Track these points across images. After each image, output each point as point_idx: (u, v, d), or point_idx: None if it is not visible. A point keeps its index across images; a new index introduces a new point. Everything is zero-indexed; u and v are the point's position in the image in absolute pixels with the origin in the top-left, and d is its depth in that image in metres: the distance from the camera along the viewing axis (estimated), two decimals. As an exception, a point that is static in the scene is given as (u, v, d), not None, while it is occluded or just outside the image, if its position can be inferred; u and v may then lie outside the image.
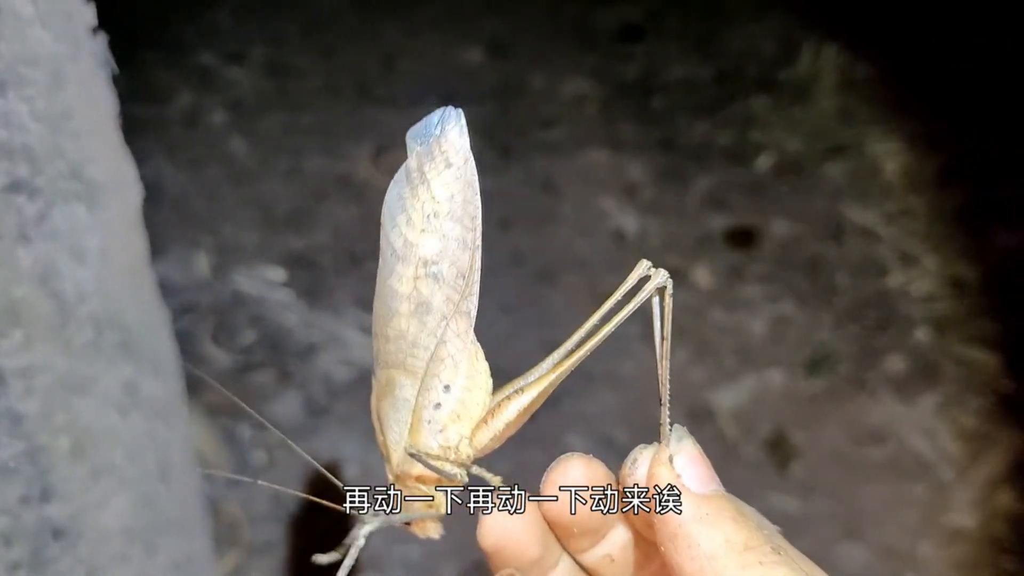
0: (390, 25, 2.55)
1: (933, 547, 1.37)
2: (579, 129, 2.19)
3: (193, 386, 1.14)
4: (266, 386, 1.58)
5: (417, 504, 0.46)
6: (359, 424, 1.52)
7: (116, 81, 0.71)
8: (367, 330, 1.66)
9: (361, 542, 0.44)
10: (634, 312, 0.45)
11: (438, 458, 0.45)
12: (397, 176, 0.45)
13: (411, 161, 0.45)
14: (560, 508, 0.42)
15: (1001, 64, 2.19)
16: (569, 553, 0.45)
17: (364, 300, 1.73)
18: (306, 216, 1.92)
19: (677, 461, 0.39)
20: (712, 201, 2.02)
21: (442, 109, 0.45)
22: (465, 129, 0.44)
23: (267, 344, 1.66)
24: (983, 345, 1.66)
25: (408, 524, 0.47)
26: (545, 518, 0.43)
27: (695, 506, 0.38)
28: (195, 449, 0.99)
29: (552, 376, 0.45)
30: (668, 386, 0.43)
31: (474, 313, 0.45)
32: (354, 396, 1.56)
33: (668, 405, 0.43)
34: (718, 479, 0.39)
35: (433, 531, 0.47)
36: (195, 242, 1.84)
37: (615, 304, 0.45)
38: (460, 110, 0.45)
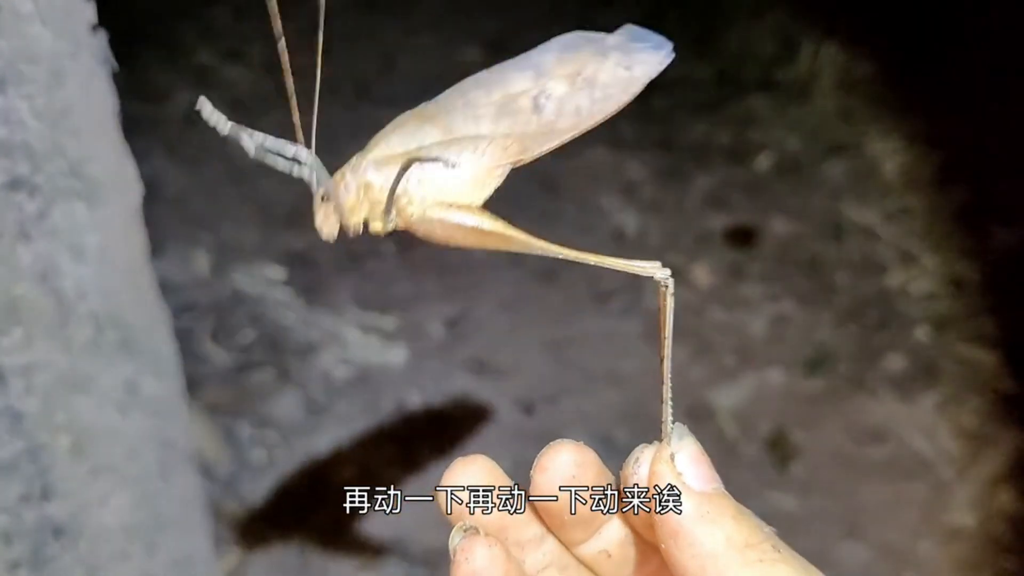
0: (389, 24, 2.55)
1: (933, 546, 1.37)
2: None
3: (193, 384, 1.14)
4: (265, 385, 1.58)
5: (345, 200, 0.44)
6: (359, 423, 1.52)
7: (115, 79, 0.71)
8: (367, 328, 1.67)
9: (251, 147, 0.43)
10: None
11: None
12: (596, 36, 0.46)
13: (613, 39, 0.46)
14: (551, 492, 0.42)
15: (1000, 63, 2.19)
16: (566, 546, 0.45)
17: (363, 298, 1.73)
18: (306, 215, 1.91)
19: (678, 459, 0.39)
20: (712, 200, 2.02)
21: (664, 40, 0.46)
22: (662, 67, 0.46)
23: (266, 343, 1.66)
24: (983, 344, 1.66)
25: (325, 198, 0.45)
26: (536, 505, 0.43)
27: (696, 504, 0.38)
28: (195, 447, 0.99)
29: (521, 238, 0.44)
30: (670, 384, 0.43)
31: (525, 159, 0.44)
32: (354, 395, 1.56)
33: (670, 403, 0.43)
34: (719, 478, 0.39)
35: (327, 224, 0.45)
36: (195, 240, 1.84)
37: (614, 261, 0.44)
38: (674, 54, 0.46)
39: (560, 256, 0.44)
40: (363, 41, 2.48)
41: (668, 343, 0.43)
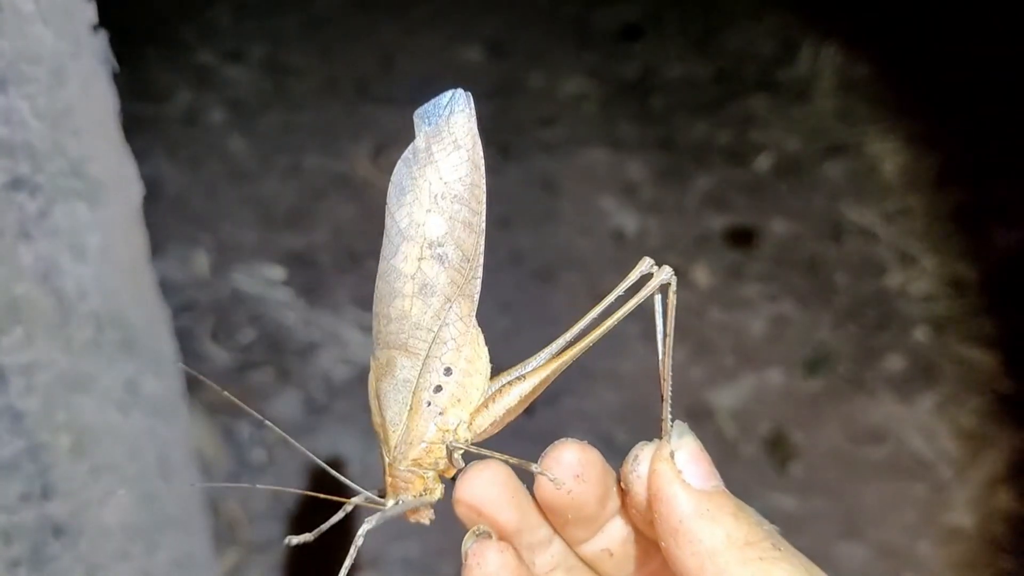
0: (389, 24, 2.55)
1: (931, 546, 1.37)
2: (578, 128, 2.20)
3: (193, 384, 1.14)
4: (265, 384, 1.58)
5: (412, 491, 0.46)
6: (358, 422, 1.52)
7: (116, 79, 0.71)
8: (367, 328, 1.66)
9: (360, 541, 0.44)
10: (636, 311, 0.45)
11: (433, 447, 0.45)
12: (405, 155, 0.45)
13: (419, 141, 0.45)
14: (556, 491, 0.42)
15: (999, 65, 2.19)
16: (569, 544, 0.45)
17: (363, 298, 1.73)
18: (305, 214, 1.92)
19: (678, 457, 0.39)
20: (711, 200, 2.02)
21: (451, 92, 0.45)
22: (474, 112, 0.45)
23: (266, 342, 1.66)
24: (982, 345, 1.66)
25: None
26: (541, 502, 0.43)
27: (696, 502, 0.38)
28: (195, 447, 0.99)
29: (553, 366, 0.45)
30: (670, 382, 0.43)
31: (477, 297, 0.45)
32: (353, 394, 1.56)
33: (670, 402, 0.43)
34: (719, 475, 0.39)
35: (425, 517, 0.47)
36: (195, 240, 1.84)
37: (616, 299, 0.45)
38: (469, 93, 0.45)
39: (581, 350, 0.45)
40: (363, 41, 2.48)
41: (669, 342, 0.43)
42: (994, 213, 1.91)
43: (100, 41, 0.67)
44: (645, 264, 0.45)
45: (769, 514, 0.40)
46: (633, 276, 0.45)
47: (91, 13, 0.66)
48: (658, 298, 0.45)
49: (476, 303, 0.45)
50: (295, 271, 1.79)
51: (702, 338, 1.68)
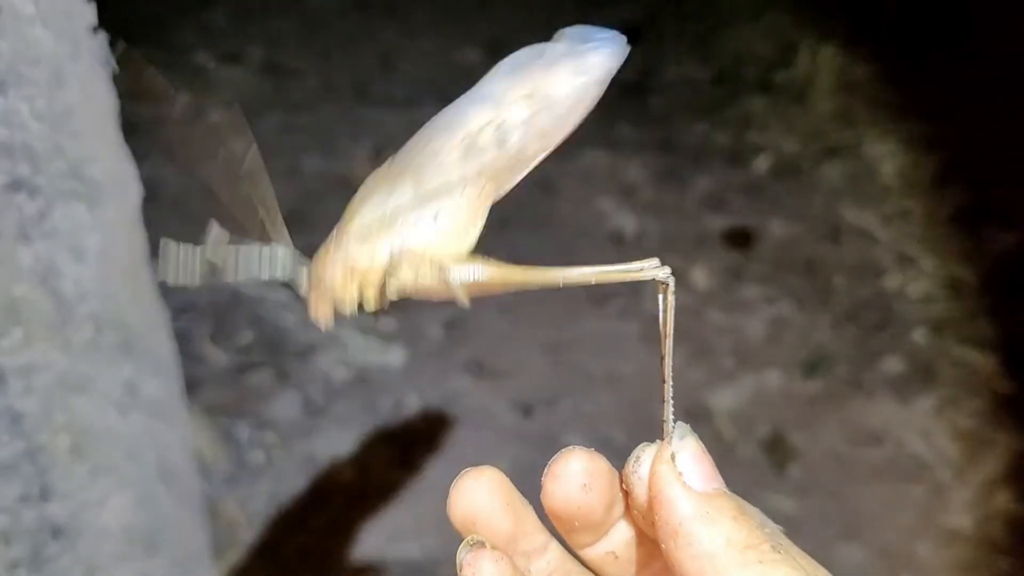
0: (388, 25, 2.56)
1: (930, 548, 1.37)
2: (577, 129, 2.19)
3: (192, 385, 1.14)
4: (264, 386, 1.58)
5: (333, 283, 0.44)
6: (357, 424, 1.52)
7: (116, 81, 0.71)
8: (365, 330, 1.67)
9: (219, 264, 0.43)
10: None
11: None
12: (540, 46, 0.45)
13: (562, 47, 0.45)
14: (563, 500, 0.42)
15: (998, 66, 2.19)
16: (570, 549, 0.45)
17: (362, 300, 1.73)
18: (304, 216, 1.92)
19: (679, 459, 0.39)
20: (710, 202, 2.02)
21: (615, 33, 0.45)
22: (618, 64, 0.44)
23: (265, 344, 1.66)
24: (980, 346, 1.67)
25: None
26: (548, 511, 0.43)
27: (696, 504, 0.38)
28: (194, 449, 0.99)
29: (522, 276, 0.44)
30: (671, 383, 0.43)
31: (504, 191, 0.44)
32: (353, 396, 1.57)
33: (671, 402, 0.43)
34: (720, 477, 0.39)
35: (323, 315, 0.45)
36: (193, 241, 1.83)
37: (613, 270, 0.44)
38: (628, 47, 0.45)
39: (562, 282, 0.44)
40: (362, 42, 2.48)
41: (669, 342, 0.43)
42: (993, 215, 1.91)
43: (99, 43, 0.67)
44: (652, 261, 0.44)
45: (768, 516, 0.40)
46: (638, 263, 0.44)
47: (91, 14, 0.66)
48: (659, 299, 0.44)
49: (497, 197, 0.44)
50: (294, 272, 1.79)
51: (700, 340, 1.68)
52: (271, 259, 0.44)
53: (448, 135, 0.44)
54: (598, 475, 0.42)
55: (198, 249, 0.43)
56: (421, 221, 0.43)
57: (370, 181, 0.46)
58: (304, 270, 0.44)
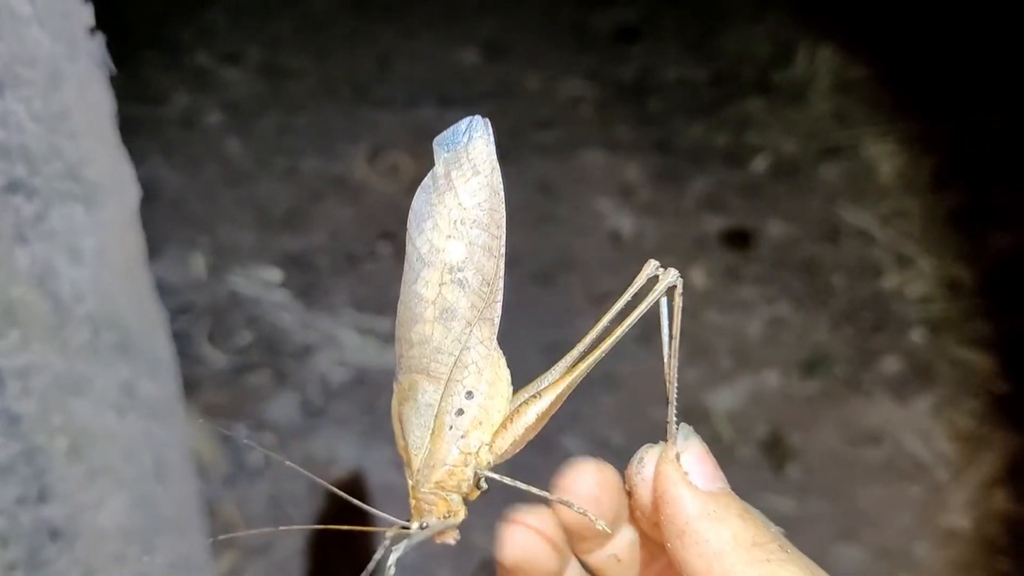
0: (386, 26, 2.55)
1: (928, 548, 1.38)
2: (575, 130, 2.20)
3: (190, 386, 1.13)
4: (262, 387, 1.58)
5: (436, 513, 0.46)
6: (355, 425, 1.51)
7: (113, 81, 0.71)
8: (363, 331, 1.66)
9: (393, 571, 0.45)
10: (625, 316, 0.45)
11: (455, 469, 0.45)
12: (424, 182, 0.46)
13: (438, 168, 0.46)
14: (572, 514, 0.42)
15: (996, 66, 2.19)
16: (576, 554, 0.45)
17: (360, 301, 1.73)
18: (302, 217, 1.92)
19: (684, 459, 0.39)
20: (708, 202, 2.02)
21: (469, 118, 0.46)
22: (492, 139, 0.45)
23: (263, 345, 1.65)
24: (978, 346, 1.67)
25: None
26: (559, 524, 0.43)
27: (702, 503, 0.38)
28: (192, 450, 0.99)
29: (567, 380, 0.45)
30: (676, 384, 0.43)
31: (498, 320, 0.46)
32: (350, 397, 1.56)
33: (675, 404, 0.43)
34: (723, 477, 0.39)
35: (451, 537, 0.47)
36: (192, 242, 1.84)
37: (624, 305, 0.45)
38: (487, 120, 0.46)
39: (596, 360, 0.47)
40: (360, 43, 2.48)
41: (674, 344, 0.43)
42: (991, 215, 1.91)
43: (97, 44, 0.67)
44: (650, 267, 0.45)
45: (766, 516, 0.40)
46: (640, 280, 0.45)
47: (88, 15, 0.66)
48: (663, 300, 0.45)
49: (497, 326, 0.46)
50: (292, 273, 1.79)
51: (699, 340, 1.68)
52: (395, 555, 0.48)
53: (420, 319, 0.46)
54: (607, 487, 0.42)
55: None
56: (458, 404, 0.45)
57: (395, 411, 0.47)
58: (417, 529, 0.47)
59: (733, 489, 0.40)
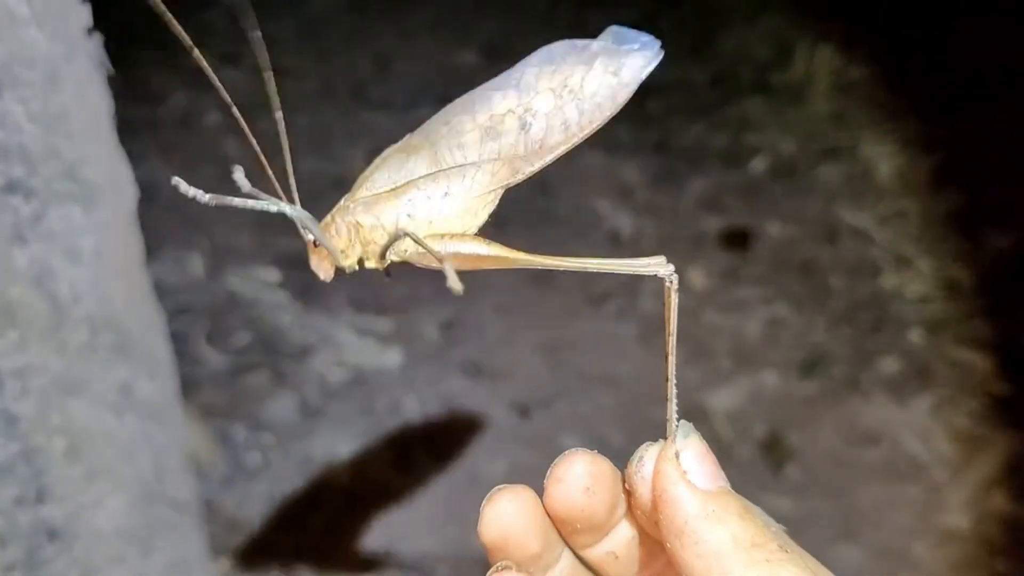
0: (385, 27, 2.56)
1: (927, 548, 1.38)
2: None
3: (188, 387, 1.13)
4: (260, 387, 1.58)
5: (335, 240, 0.45)
6: (354, 425, 1.51)
7: (111, 82, 0.71)
8: (362, 331, 1.66)
9: (260, 205, 0.44)
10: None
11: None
12: (578, 42, 0.45)
13: (596, 46, 0.45)
14: (566, 503, 0.41)
15: (995, 67, 2.20)
16: (572, 549, 0.45)
17: (359, 301, 1.73)
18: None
19: (684, 457, 0.39)
20: (707, 203, 2.02)
21: (652, 39, 0.46)
22: (651, 68, 0.45)
23: (261, 345, 1.65)
24: (977, 347, 1.67)
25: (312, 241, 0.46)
26: (550, 514, 0.42)
27: (701, 503, 0.37)
28: (190, 450, 0.99)
29: (521, 255, 0.44)
30: (675, 381, 0.43)
31: (516, 180, 0.45)
32: (349, 397, 1.56)
33: (675, 401, 0.42)
34: (724, 476, 0.39)
35: (323, 270, 0.46)
36: (190, 243, 1.83)
37: (616, 264, 0.44)
38: (663, 51, 0.46)
39: (562, 268, 0.44)
40: (358, 44, 2.48)
41: (673, 340, 0.43)
42: (989, 216, 1.91)
43: (95, 44, 0.67)
44: (658, 258, 0.44)
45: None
46: (643, 259, 0.44)
47: (86, 16, 0.66)
48: (666, 296, 0.44)
49: (513, 182, 0.45)
50: (290, 274, 1.79)
51: (697, 340, 1.68)
52: (280, 209, 0.45)
53: (471, 115, 0.45)
54: (601, 478, 0.41)
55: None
56: (432, 194, 0.44)
57: (386, 152, 0.46)
58: (311, 220, 0.45)
59: (733, 489, 0.39)
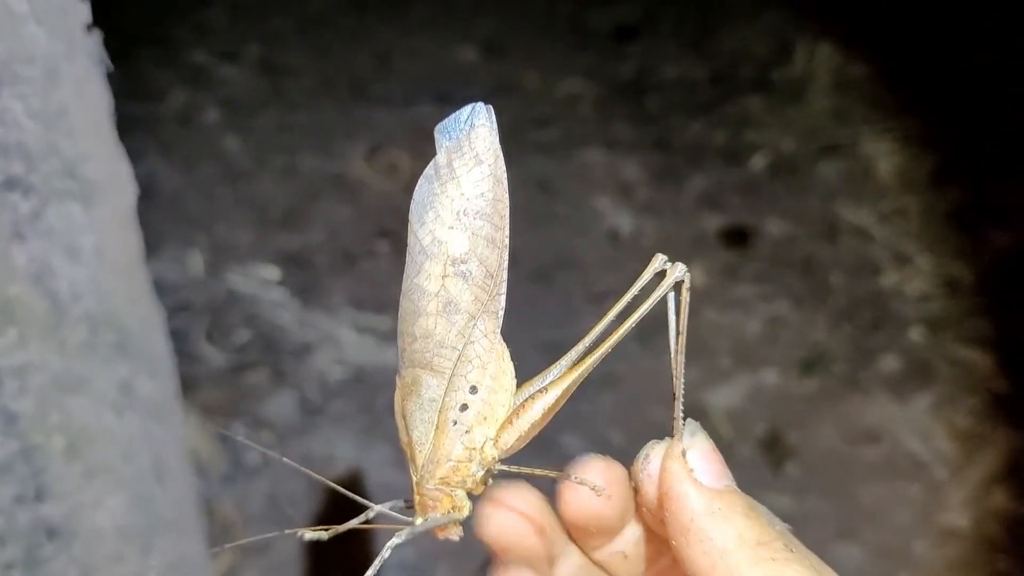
0: (384, 24, 2.55)
1: (927, 547, 1.38)
2: (574, 129, 2.19)
3: (188, 385, 1.13)
4: (260, 385, 1.58)
5: (440, 509, 0.46)
6: (353, 423, 1.51)
7: (110, 79, 0.71)
8: (362, 329, 1.66)
9: (387, 554, 0.44)
10: (630, 312, 0.45)
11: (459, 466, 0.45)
12: (426, 172, 0.45)
13: (440, 157, 0.44)
14: (581, 509, 0.41)
15: (994, 65, 2.19)
16: (583, 551, 0.45)
17: (358, 299, 1.72)
18: (300, 215, 1.92)
19: (690, 456, 0.39)
20: (707, 200, 2.02)
21: (471, 106, 0.45)
22: (495, 127, 0.44)
23: (261, 343, 1.65)
24: (976, 345, 1.67)
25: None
26: (565, 519, 0.43)
27: (707, 501, 0.37)
28: (190, 449, 0.98)
29: (574, 375, 0.45)
30: (682, 381, 0.43)
31: (502, 313, 0.45)
32: (348, 395, 1.56)
33: (682, 400, 0.43)
34: (730, 474, 0.39)
35: (454, 533, 0.46)
36: (189, 241, 1.83)
37: (631, 299, 0.44)
38: (490, 107, 0.44)
39: (604, 353, 0.46)
40: (358, 41, 2.47)
41: (681, 339, 0.43)
42: (989, 213, 1.91)
43: (94, 41, 0.67)
44: (658, 261, 0.44)
45: (766, 515, 0.39)
46: (647, 274, 0.44)
47: (85, 13, 0.65)
48: (671, 296, 0.44)
49: (500, 319, 0.45)
50: (290, 271, 1.79)
51: (698, 339, 1.67)
52: (394, 543, 0.45)
53: (423, 313, 0.45)
54: (615, 483, 0.41)
55: None
56: (462, 399, 0.45)
57: (398, 406, 0.46)
58: (417, 518, 0.46)
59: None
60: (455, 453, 0.45)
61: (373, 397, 1.56)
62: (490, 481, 0.45)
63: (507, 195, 0.44)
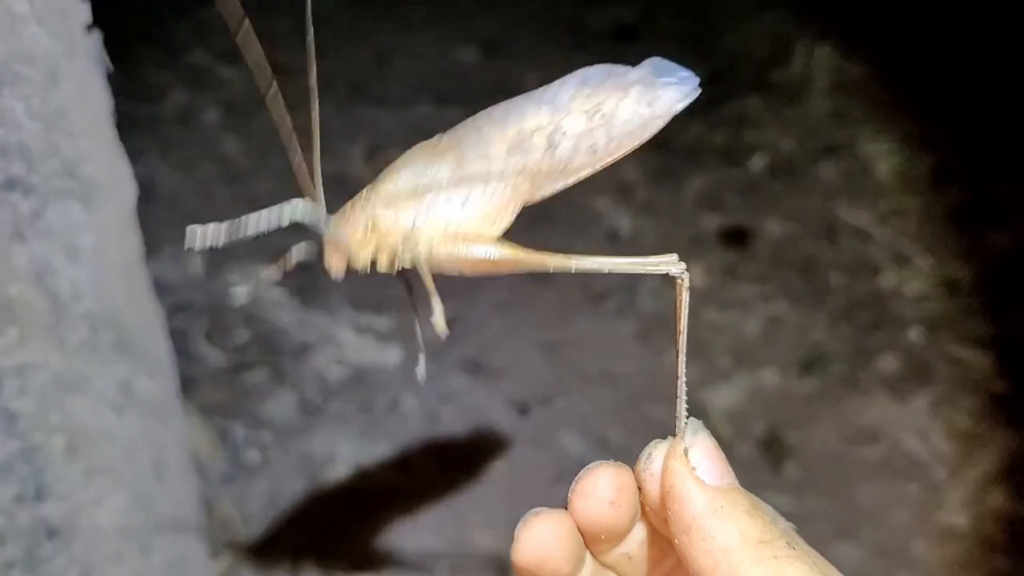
0: (383, 24, 2.55)
1: (926, 546, 1.38)
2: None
3: (187, 385, 1.13)
4: (260, 385, 1.58)
5: (351, 236, 0.44)
6: (353, 423, 1.51)
7: (110, 79, 0.71)
8: (361, 329, 1.66)
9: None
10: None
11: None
12: (618, 68, 0.45)
13: (635, 74, 0.44)
14: (592, 518, 0.41)
15: (994, 65, 2.20)
16: (592, 554, 0.45)
17: (358, 299, 1.73)
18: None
19: (692, 454, 0.39)
20: (706, 201, 2.02)
21: (691, 76, 0.46)
22: (684, 105, 0.45)
23: (261, 343, 1.65)
24: (976, 345, 1.67)
25: (331, 245, 0.45)
26: (575, 526, 0.43)
27: (710, 499, 0.38)
28: (190, 448, 0.99)
29: (534, 257, 0.43)
30: (684, 379, 0.43)
31: (535, 199, 0.44)
32: (348, 395, 1.56)
33: (684, 398, 0.42)
34: (732, 473, 0.39)
35: (336, 261, 0.46)
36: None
37: (629, 263, 0.44)
38: (699, 89, 0.45)
39: (575, 269, 0.44)
40: (357, 40, 2.47)
41: (683, 338, 0.43)
42: (988, 214, 1.92)
43: (94, 41, 0.67)
44: (671, 256, 0.44)
45: (768, 514, 0.40)
46: (657, 258, 0.44)
47: (85, 13, 0.66)
48: (677, 294, 0.44)
49: (531, 201, 0.44)
50: (289, 271, 1.79)
51: (697, 338, 1.68)
52: (291, 210, 0.45)
53: (501, 127, 0.44)
54: (625, 490, 0.41)
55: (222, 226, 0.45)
56: (451, 200, 0.44)
57: (412, 151, 0.46)
58: (326, 219, 0.45)
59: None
60: (403, 217, 0.44)
61: (373, 397, 1.56)
62: (395, 268, 0.44)
63: (631, 149, 0.45)
